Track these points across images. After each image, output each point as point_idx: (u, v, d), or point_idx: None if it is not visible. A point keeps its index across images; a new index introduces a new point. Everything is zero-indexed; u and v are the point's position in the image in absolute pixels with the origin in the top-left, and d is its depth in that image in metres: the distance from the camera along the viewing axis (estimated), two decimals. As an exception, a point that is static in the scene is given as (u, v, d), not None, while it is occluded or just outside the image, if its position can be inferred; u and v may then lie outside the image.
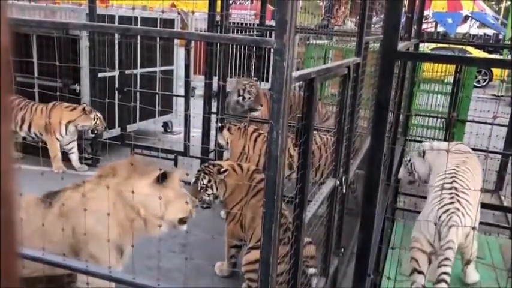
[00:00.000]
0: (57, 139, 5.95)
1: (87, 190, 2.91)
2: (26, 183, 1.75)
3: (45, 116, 5.87)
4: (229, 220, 3.83)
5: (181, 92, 6.69)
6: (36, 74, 6.46)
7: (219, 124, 5.46)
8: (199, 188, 3.80)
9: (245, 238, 3.78)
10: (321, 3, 12.34)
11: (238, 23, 9.62)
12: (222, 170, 3.79)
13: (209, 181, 3.78)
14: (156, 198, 2.78)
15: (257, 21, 8.41)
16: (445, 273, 3.07)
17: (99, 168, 3.16)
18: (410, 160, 4.34)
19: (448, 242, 3.10)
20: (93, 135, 6.10)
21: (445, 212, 3.18)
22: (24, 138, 6.12)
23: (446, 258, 3.09)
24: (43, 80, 6.36)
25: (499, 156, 5.70)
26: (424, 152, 4.18)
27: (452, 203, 3.23)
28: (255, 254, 3.43)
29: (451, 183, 3.42)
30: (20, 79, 6.28)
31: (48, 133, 5.92)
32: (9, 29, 0.25)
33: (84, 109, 5.85)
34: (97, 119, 5.90)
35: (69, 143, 6.07)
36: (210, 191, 3.79)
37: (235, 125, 5.43)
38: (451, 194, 3.29)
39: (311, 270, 3.15)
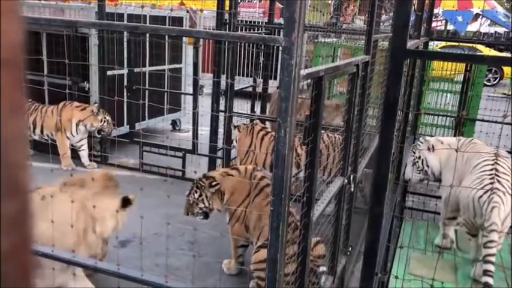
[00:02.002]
0: (68, 137, 5.99)
1: (47, 193, 2.93)
2: (35, 180, 1.77)
3: (56, 115, 5.92)
4: (234, 222, 3.81)
5: (190, 90, 6.71)
6: (45, 72, 6.51)
7: (233, 125, 5.47)
8: (191, 202, 3.83)
9: (251, 238, 3.76)
10: (329, 1, 12.29)
11: (246, 21, 9.62)
12: (214, 183, 3.76)
13: (200, 195, 3.79)
14: (113, 221, 3.04)
15: (265, 19, 8.41)
16: (490, 254, 3.25)
17: (70, 177, 3.24)
18: (420, 157, 4.16)
19: (491, 225, 3.25)
20: (99, 136, 6.12)
21: (485, 192, 3.29)
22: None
23: (491, 241, 3.25)
24: (53, 77, 6.41)
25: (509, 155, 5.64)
26: (433, 147, 4.11)
27: (492, 183, 3.30)
28: (264, 253, 3.43)
29: (493, 164, 3.48)
30: (29, 77, 6.34)
31: (58, 131, 5.96)
32: (22, 27, 0.25)
33: (93, 110, 5.88)
34: (105, 121, 5.92)
35: (80, 140, 6.11)
36: (201, 205, 3.81)
37: (244, 124, 5.44)
38: (491, 175, 3.38)
39: (321, 269, 3.15)
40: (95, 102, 6.07)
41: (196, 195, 3.81)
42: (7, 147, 0.25)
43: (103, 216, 3.07)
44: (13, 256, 0.26)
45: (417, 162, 4.17)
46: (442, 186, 4.01)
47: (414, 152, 4.22)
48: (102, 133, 6.04)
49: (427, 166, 4.11)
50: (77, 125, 5.94)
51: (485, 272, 3.27)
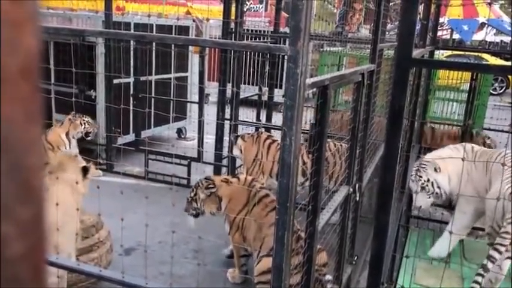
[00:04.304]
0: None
1: (48, 185, 3.06)
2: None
3: (45, 144, 5.83)
4: (234, 231, 3.82)
5: (195, 98, 6.74)
6: (53, 80, 6.56)
7: (234, 135, 5.46)
8: (188, 199, 3.94)
9: (250, 249, 3.75)
10: (335, 10, 12.34)
11: (252, 30, 9.66)
12: (210, 186, 3.83)
13: (195, 194, 3.89)
14: (84, 189, 3.40)
15: (271, 29, 8.45)
16: (502, 244, 3.21)
17: (48, 166, 3.45)
18: (428, 179, 3.89)
19: (511, 218, 3.21)
20: (88, 139, 6.04)
21: None
22: None
23: (507, 232, 3.22)
24: (60, 86, 6.46)
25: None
26: (439, 168, 3.89)
27: None
28: (266, 263, 3.43)
29: None
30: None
31: (48, 150, 5.86)
32: (40, 36, 0.26)
33: (69, 119, 5.80)
34: (84, 123, 5.87)
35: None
36: (194, 204, 3.90)
37: (249, 133, 5.45)
38: None
39: (327, 277, 3.14)
40: (73, 112, 5.94)
41: (192, 194, 3.91)
42: (24, 154, 0.26)
43: (81, 188, 3.40)
44: (27, 260, 0.26)
45: (426, 186, 3.91)
46: (464, 198, 3.83)
47: (421, 177, 3.94)
48: (89, 135, 5.99)
49: (438, 188, 3.88)
50: (67, 137, 5.87)
51: (489, 257, 3.23)
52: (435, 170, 3.88)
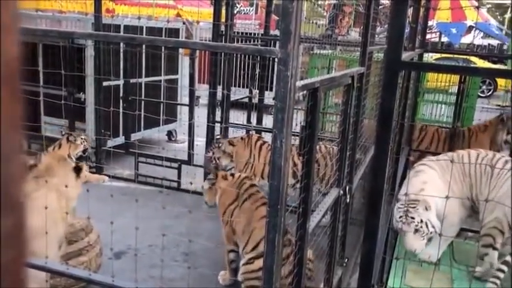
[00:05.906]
0: None
1: (30, 190, 3.02)
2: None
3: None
4: (225, 224, 3.93)
5: (186, 101, 6.72)
6: (41, 83, 6.50)
7: (217, 156, 5.37)
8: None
9: (238, 243, 3.81)
10: (325, 14, 12.39)
11: (242, 33, 9.67)
12: (211, 177, 4.09)
13: (203, 186, 4.21)
14: (77, 190, 3.43)
15: (261, 31, 8.46)
16: None
17: (35, 170, 3.42)
18: (422, 220, 3.50)
19: None
20: (85, 155, 5.91)
21: None
22: None
23: None
24: (48, 88, 6.40)
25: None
26: (430, 205, 3.54)
27: None
28: (257, 264, 3.44)
29: None
30: (25, 88, 6.31)
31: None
32: (19, 41, 0.26)
33: (68, 139, 5.47)
34: (83, 141, 5.66)
35: None
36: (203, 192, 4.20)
37: (235, 137, 5.47)
38: None
39: (321, 286, 3.16)
40: (62, 134, 5.73)
41: (204, 184, 4.25)
42: (6, 162, 0.25)
43: (72, 191, 3.41)
44: (8, 271, 0.25)
45: (421, 227, 3.53)
46: (451, 213, 3.65)
47: (413, 218, 3.53)
48: (87, 152, 5.86)
49: (433, 227, 3.53)
50: (70, 158, 5.68)
51: None
52: (426, 208, 3.53)
